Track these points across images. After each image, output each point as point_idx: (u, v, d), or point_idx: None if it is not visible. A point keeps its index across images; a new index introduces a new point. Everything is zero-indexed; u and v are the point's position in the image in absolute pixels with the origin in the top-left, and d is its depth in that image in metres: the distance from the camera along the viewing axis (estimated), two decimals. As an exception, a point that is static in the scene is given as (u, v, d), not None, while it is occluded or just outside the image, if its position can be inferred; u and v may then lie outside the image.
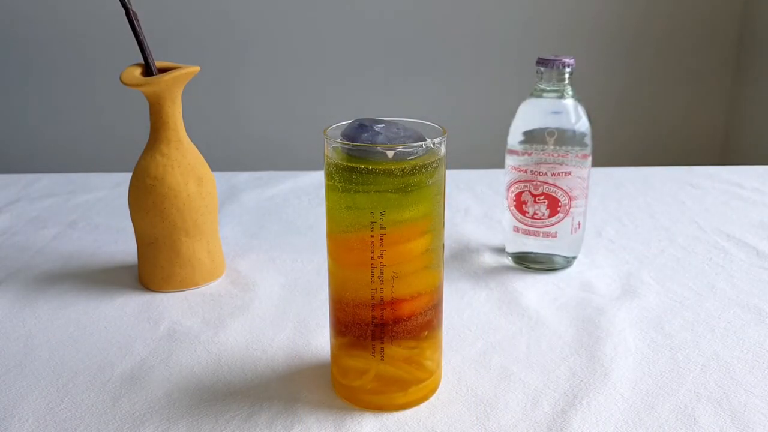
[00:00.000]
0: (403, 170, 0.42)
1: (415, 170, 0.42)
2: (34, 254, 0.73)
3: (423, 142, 0.42)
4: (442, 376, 0.50)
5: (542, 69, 0.64)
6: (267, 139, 2.12)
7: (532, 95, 0.66)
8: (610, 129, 2.10)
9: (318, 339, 0.56)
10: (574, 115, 0.64)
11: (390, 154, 0.41)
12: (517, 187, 0.66)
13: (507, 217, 0.69)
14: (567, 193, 0.65)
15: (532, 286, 0.65)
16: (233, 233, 0.79)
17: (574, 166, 0.64)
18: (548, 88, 0.64)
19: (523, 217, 0.67)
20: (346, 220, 0.43)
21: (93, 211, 0.86)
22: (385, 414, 0.46)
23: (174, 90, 0.61)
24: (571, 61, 0.63)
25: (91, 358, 0.53)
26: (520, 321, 0.58)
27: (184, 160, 0.62)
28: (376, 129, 0.43)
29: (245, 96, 2.08)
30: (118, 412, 0.47)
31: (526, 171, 0.65)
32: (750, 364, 0.52)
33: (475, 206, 0.87)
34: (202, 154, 0.65)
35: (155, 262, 0.63)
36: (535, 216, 0.66)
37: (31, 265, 0.70)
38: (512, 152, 0.66)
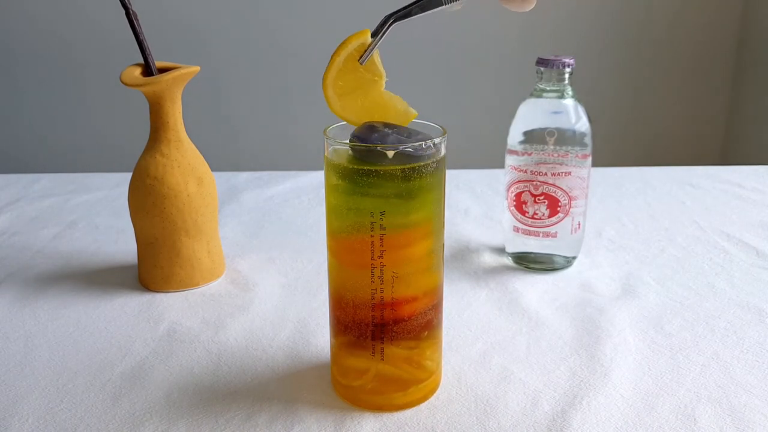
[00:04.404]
0: (402, 171, 0.41)
1: (415, 171, 0.42)
2: (34, 254, 0.73)
3: (423, 143, 0.42)
4: (442, 376, 0.50)
5: (542, 69, 0.64)
6: (267, 139, 2.12)
7: (532, 95, 0.66)
8: (610, 129, 2.10)
9: (318, 339, 0.56)
10: (574, 115, 0.64)
11: (390, 154, 0.41)
12: (517, 187, 0.66)
13: (507, 217, 0.69)
14: (567, 193, 0.65)
15: (532, 286, 0.65)
16: (233, 233, 0.79)
17: (574, 166, 0.64)
18: (548, 88, 0.64)
19: (523, 217, 0.67)
20: (346, 220, 0.43)
21: (93, 211, 0.86)
22: (385, 414, 0.46)
23: (174, 90, 0.61)
24: (571, 61, 0.63)
25: (91, 358, 0.53)
26: (520, 321, 0.58)
27: (184, 160, 0.62)
28: (386, 131, 0.43)
29: (245, 96, 2.08)
30: (118, 412, 0.47)
31: (526, 171, 0.65)
32: (750, 364, 0.52)
33: (475, 206, 0.87)
34: (202, 154, 0.65)
35: (155, 262, 0.63)
36: (535, 216, 0.66)
37: (31, 265, 0.70)
38: (512, 152, 0.66)
